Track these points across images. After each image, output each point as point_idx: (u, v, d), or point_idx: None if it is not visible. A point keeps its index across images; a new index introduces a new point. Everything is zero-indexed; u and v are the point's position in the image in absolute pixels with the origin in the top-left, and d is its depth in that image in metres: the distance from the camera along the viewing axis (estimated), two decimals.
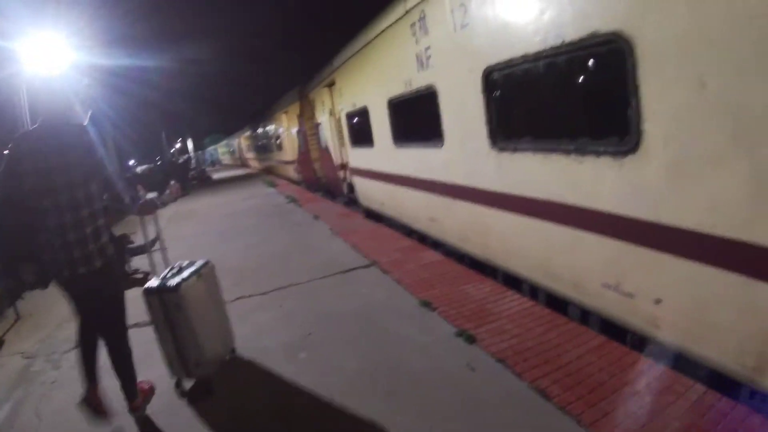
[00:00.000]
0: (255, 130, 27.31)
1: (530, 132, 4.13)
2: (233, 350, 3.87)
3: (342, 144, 10.17)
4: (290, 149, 17.26)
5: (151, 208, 3.55)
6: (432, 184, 5.94)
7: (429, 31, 5.24)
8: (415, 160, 6.34)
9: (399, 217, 7.56)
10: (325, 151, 11.91)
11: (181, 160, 27.91)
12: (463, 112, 4.84)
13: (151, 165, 26.28)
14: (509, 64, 4.00)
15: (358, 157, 8.98)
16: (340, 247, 6.63)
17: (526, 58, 3.76)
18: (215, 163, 63.86)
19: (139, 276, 7.02)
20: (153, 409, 3.27)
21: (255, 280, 5.67)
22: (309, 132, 13.44)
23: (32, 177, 2.74)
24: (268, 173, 24.42)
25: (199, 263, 3.60)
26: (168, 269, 3.49)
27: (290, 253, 6.70)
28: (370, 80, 7.45)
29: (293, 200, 11.90)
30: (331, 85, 10.13)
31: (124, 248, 7.36)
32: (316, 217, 9.01)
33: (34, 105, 3.01)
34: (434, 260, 5.62)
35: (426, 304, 4.32)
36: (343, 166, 10.65)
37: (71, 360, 4.35)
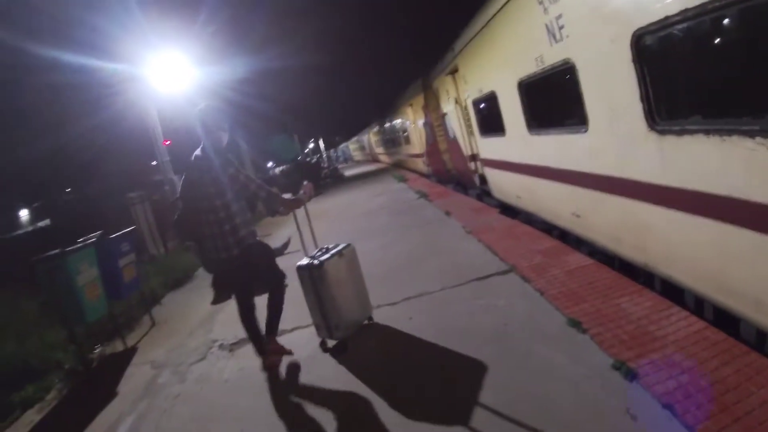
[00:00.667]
0: (382, 125, 27.56)
1: (701, 109, 3.28)
2: (371, 318, 4.57)
3: (471, 133, 9.57)
4: (418, 142, 16.97)
5: (295, 203, 4.20)
6: (575, 175, 5.16)
7: None
8: (554, 148, 5.58)
9: (537, 212, 6.81)
10: (453, 142, 11.37)
11: (314, 160, 29.06)
12: (610, 88, 4.04)
13: (286, 166, 27.69)
14: (666, 23, 3.18)
15: (489, 147, 8.32)
16: (474, 249, 6.11)
17: (689, 13, 2.93)
18: (348, 159, 66.28)
19: None
20: (301, 360, 4.23)
21: (386, 288, 5.39)
22: (435, 123, 12.98)
23: (189, 192, 3.93)
24: (398, 167, 24.46)
25: (341, 246, 4.35)
26: (317, 250, 4.31)
27: (422, 256, 6.36)
28: (496, 62, 6.78)
29: (423, 195, 11.55)
30: (454, 71, 9.56)
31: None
32: (448, 214, 8.55)
33: (193, 133, 4.06)
34: (581, 264, 4.87)
35: (575, 324, 3.66)
36: (474, 157, 10.04)
37: (196, 373, 4.41)
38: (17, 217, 36.93)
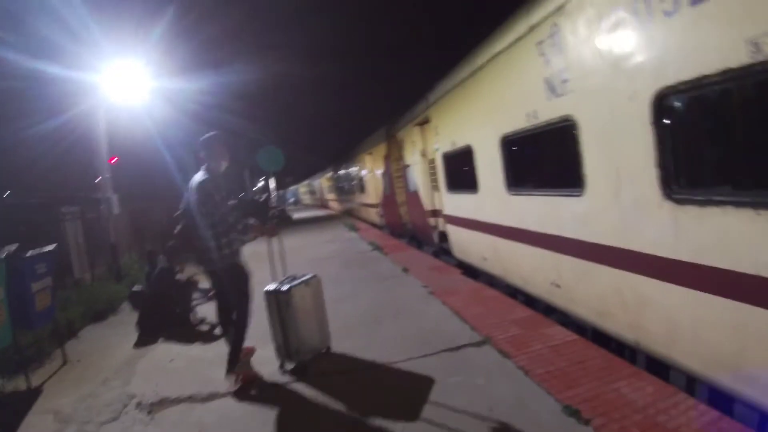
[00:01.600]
0: (336, 171, 27.12)
1: (730, 179, 2.91)
2: (328, 348, 4.72)
3: (435, 188, 9.17)
4: (373, 192, 16.51)
5: (269, 231, 4.84)
6: (560, 242, 4.72)
7: (565, 48, 4.14)
8: (537, 211, 5.15)
9: (505, 276, 6.34)
10: (413, 195, 10.94)
11: (261, 198, 28.07)
12: (619, 150, 3.66)
13: (234, 201, 26.47)
14: (699, 83, 2.82)
15: (456, 204, 7.89)
16: (439, 312, 5.50)
17: (730, 74, 2.58)
18: (297, 202, 65.18)
19: (198, 323, 6.28)
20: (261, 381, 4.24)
21: (342, 353, 4.67)
22: (395, 174, 12.58)
23: (188, 208, 4.29)
24: (349, 215, 23.88)
25: (308, 275, 4.65)
26: (285, 277, 4.58)
27: (381, 316, 5.66)
28: (477, 114, 6.43)
29: (377, 247, 10.94)
30: (423, 123, 9.25)
31: (189, 292, 6.67)
32: (406, 270, 7.96)
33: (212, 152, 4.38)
34: (566, 340, 4.35)
35: (573, 413, 3.08)
36: (435, 213, 9.61)
37: None
38: None
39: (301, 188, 64.81)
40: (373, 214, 17.37)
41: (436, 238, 9.70)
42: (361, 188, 19.21)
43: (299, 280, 4.46)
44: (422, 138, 9.58)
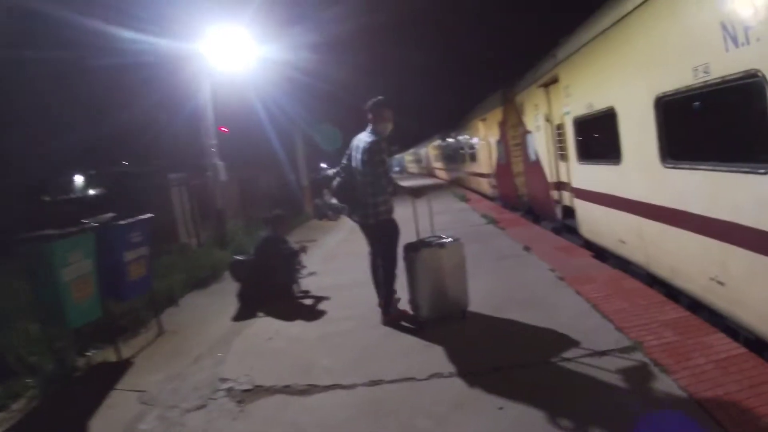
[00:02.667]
0: (445, 139, 26.22)
1: None
2: (464, 312, 4.72)
3: (562, 158, 8.17)
4: (486, 161, 15.56)
5: (418, 191, 5.14)
6: (734, 230, 3.72)
7: None
8: (702, 190, 4.12)
9: (647, 264, 5.35)
10: (533, 166, 9.96)
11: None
12: None
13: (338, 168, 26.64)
14: None
15: (589, 177, 6.88)
16: (574, 304, 4.71)
17: None
18: (402, 170, 64.97)
19: (302, 297, 5.99)
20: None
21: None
22: (512, 142, 11.59)
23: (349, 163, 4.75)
24: (457, 185, 23.06)
25: (450, 239, 4.73)
26: (431, 236, 4.78)
27: (503, 304, 4.95)
28: (624, 71, 5.36)
29: (492, 221, 10.15)
30: (549, 83, 8.20)
31: (294, 263, 6.28)
32: (527, 249, 7.15)
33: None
34: (732, 354, 3.41)
35: None
36: (559, 186, 8.62)
37: (189, 427, 3.22)
38: (71, 182, 37.59)
39: (407, 156, 64.45)
40: (485, 185, 16.45)
41: (558, 213, 8.73)
42: (472, 157, 18.30)
43: (437, 242, 4.62)
44: (547, 101, 8.54)
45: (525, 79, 9.79)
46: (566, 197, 8.43)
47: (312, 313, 5.46)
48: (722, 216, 3.86)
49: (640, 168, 5.18)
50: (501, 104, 12.15)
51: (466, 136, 18.98)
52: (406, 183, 5.47)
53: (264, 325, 5.25)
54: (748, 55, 3.29)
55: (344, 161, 4.80)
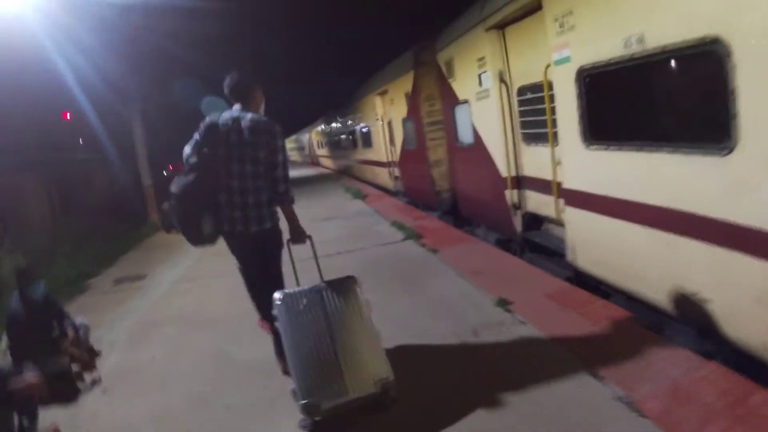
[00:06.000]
0: (329, 122, 22.63)
1: None
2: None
3: (533, 140, 5.17)
4: (385, 146, 12.34)
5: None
6: None
7: None
8: None
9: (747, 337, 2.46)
10: (468, 152, 6.89)
11: None
12: None
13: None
14: None
15: (607, 173, 3.84)
16: None
17: None
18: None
19: None
20: None
21: None
22: (428, 119, 8.47)
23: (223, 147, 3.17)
24: (346, 176, 19.74)
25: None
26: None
27: None
28: None
29: (410, 233, 6.89)
30: (514, 20, 5.17)
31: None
32: (504, 304, 3.95)
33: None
34: None
35: None
36: (518, 182, 5.66)
37: None
38: None
39: (289, 144, 59.93)
40: (383, 176, 13.23)
41: (517, 223, 5.76)
42: (366, 142, 14.95)
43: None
44: (503, 50, 5.50)
45: (461, 22, 6.61)
46: (534, 201, 5.48)
47: None
48: None
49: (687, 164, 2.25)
50: (411, 69, 8.92)
51: (358, 116, 15.59)
52: None
53: None
54: None
55: (205, 149, 3.20)
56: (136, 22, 10.83)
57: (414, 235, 6.76)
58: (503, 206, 5.94)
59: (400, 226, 7.44)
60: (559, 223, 4.98)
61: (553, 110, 4.59)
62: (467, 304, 4.13)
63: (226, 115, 3.22)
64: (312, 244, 3.28)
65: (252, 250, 3.28)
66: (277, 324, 2.83)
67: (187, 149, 3.24)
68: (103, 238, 9.73)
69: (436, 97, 8.21)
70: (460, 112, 6.97)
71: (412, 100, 9.09)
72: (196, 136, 3.24)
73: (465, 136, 6.91)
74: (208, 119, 3.25)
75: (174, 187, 3.11)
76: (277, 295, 2.87)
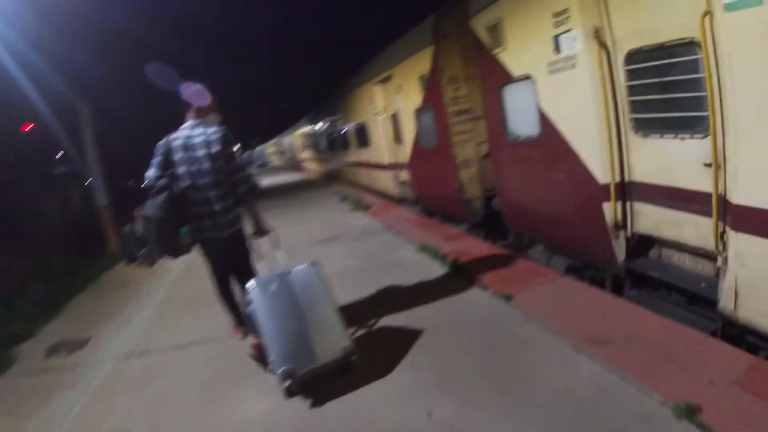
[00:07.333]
0: (316, 122, 20.45)
1: None
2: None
3: (664, 127, 3.34)
4: (388, 145, 10.38)
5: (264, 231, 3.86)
6: None
7: None
8: None
9: None
10: (530, 147, 5.01)
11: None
12: None
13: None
14: None
15: None
16: None
17: None
18: (266, 164, 57.03)
19: None
20: None
21: None
22: (453, 106, 6.63)
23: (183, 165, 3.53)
24: (333, 180, 17.75)
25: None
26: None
27: None
28: None
29: (454, 267, 4.94)
30: None
31: None
32: (692, 416, 2.12)
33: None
34: None
35: None
36: (622, 189, 3.84)
37: None
38: None
39: (268, 148, 57.22)
40: (386, 181, 11.25)
41: (619, 249, 3.94)
42: (360, 140, 12.92)
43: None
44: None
45: None
46: (652, 218, 3.66)
47: None
48: None
49: None
50: (429, 45, 7.03)
51: (351, 112, 13.53)
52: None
53: None
54: None
55: (168, 170, 3.52)
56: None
57: (459, 268, 4.85)
58: (597, 224, 4.09)
59: (432, 253, 5.51)
60: (692, 251, 3.19)
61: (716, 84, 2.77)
62: (622, 416, 2.26)
63: (180, 133, 3.53)
64: (276, 235, 3.75)
65: (225, 252, 3.70)
66: (252, 307, 3.24)
67: (150, 172, 3.51)
68: (50, 276, 7.71)
69: (464, 79, 6.41)
70: (515, 94, 5.08)
71: (431, 84, 7.18)
72: (155, 158, 3.51)
73: (523, 127, 5.04)
74: (163, 139, 3.52)
75: (149, 211, 3.34)
76: (251, 282, 3.29)
